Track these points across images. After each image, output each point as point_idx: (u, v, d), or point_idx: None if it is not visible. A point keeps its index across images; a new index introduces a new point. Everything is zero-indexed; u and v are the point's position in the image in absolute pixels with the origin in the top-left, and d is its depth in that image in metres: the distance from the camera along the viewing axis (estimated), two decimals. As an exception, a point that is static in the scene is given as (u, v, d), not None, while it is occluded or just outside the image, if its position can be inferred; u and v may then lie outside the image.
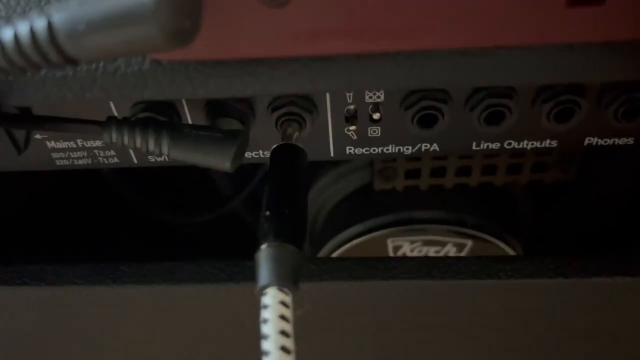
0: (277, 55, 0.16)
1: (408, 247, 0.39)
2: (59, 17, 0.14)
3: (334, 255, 0.39)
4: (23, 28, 0.14)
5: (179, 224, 0.48)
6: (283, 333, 0.16)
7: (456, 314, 0.26)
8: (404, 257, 0.27)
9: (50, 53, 0.14)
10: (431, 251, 0.39)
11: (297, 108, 0.24)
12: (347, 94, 0.24)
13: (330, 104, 0.24)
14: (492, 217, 0.39)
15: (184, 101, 0.24)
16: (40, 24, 0.14)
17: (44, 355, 0.28)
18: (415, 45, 0.16)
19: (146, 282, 0.26)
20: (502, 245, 0.38)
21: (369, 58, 0.17)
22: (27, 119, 0.21)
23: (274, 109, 0.24)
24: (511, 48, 0.17)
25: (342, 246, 0.39)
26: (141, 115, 0.24)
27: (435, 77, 0.18)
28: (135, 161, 0.27)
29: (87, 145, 0.26)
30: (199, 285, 0.26)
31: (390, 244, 0.38)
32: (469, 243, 0.38)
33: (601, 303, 0.25)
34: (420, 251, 0.39)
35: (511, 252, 0.38)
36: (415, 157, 0.34)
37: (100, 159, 0.27)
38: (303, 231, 0.19)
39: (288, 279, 0.18)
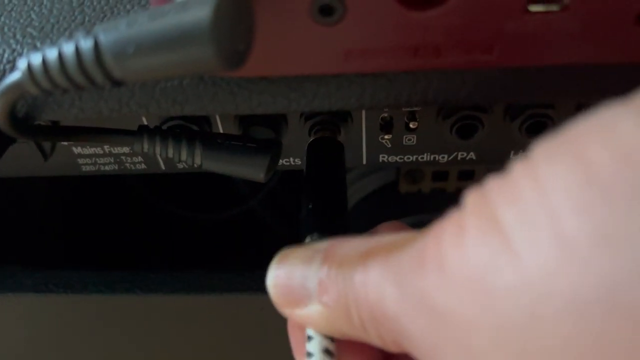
0: (327, 72, 0.16)
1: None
2: (106, 38, 0.13)
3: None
4: (68, 48, 0.13)
5: (196, 220, 0.48)
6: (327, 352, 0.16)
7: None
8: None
9: (96, 75, 0.13)
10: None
11: (331, 116, 0.23)
12: (384, 103, 0.23)
13: (366, 112, 0.23)
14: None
15: (215, 110, 0.23)
16: (86, 45, 0.13)
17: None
18: (475, 62, 0.15)
19: (174, 291, 0.26)
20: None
21: (418, 74, 0.17)
22: (57, 130, 0.20)
23: (308, 118, 0.23)
24: (573, 66, 0.16)
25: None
26: (172, 123, 0.23)
27: (490, 93, 0.17)
28: (163, 167, 0.26)
29: (114, 152, 0.25)
30: (227, 295, 0.26)
31: (413, 246, 0.38)
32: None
33: None
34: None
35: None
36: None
37: (127, 165, 0.26)
38: (346, 224, 0.19)
39: None
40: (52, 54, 0.13)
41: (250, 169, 0.22)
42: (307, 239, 0.18)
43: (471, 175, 0.34)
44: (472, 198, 0.12)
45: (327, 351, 0.16)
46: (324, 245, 0.16)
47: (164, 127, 0.23)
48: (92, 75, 0.13)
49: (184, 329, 0.26)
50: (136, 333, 0.27)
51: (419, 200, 0.37)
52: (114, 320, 0.26)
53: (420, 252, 0.13)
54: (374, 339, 0.14)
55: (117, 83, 0.14)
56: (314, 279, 0.15)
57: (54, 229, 0.38)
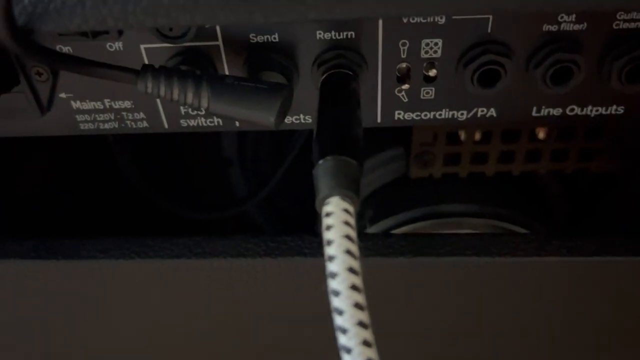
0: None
1: (442, 242, 0.37)
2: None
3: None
4: None
5: (190, 219, 0.46)
6: (348, 238, 0.16)
7: (513, 292, 0.24)
8: (454, 234, 0.24)
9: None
10: (466, 247, 0.37)
11: (346, 60, 0.22)
12: (402, 48, 0.22)
13: (382, 58, 0.22)
14: (529, 211, 0.37)
15: (223, 54, 0.22)
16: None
17: (62, 331, 0.26)
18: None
19: (174, 256, 0.24)
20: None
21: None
22: (58, 55, 0.19)
23: (320, 64, 0.22)
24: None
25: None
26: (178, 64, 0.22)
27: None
28: (166, 126, 0.25)
29: (115, 107, 0.24)
30: (232, 260, 0.24)
31: (423, 238, 0.36)
32: (507, 239, 0.36)
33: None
34: (454, 247, 0.37)
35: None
36: (455, 142, 0.32)
37: (129, 122, 0.25)
38: (360, 146, 0.19)
39: (350, 189, 0.17)
40: None
41: (260, 113, 0.21)
42: (320, 162, 0.17)
43: (484, 159, 0.33)
44: None
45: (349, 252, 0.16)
46: None
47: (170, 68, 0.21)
48: None
49: (185, 297, 0.25)
50: (132, 300, 0.25)
51: (431, 191, 0.36)
52: (109, 287, 0.25)
53: None
54: None
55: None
56: None
57: (42, 210, 0.36)
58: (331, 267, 0.16)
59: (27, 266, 0.25)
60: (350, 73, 0.21)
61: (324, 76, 0.22)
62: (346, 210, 0.17)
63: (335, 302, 0.15)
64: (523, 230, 0.35)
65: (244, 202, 0.46)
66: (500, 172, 0.34)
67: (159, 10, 0.16)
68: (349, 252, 0.16)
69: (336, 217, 0.16)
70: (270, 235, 0.24)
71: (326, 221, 0.17)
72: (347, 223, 0.16)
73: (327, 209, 0.17)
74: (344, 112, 0.20)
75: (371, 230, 0.37)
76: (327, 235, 0.16)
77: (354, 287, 0.16)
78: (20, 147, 0.29)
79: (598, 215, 0.39)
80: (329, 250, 0.16)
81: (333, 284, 0.16)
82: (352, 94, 0.21)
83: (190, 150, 0.47)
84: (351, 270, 0.16)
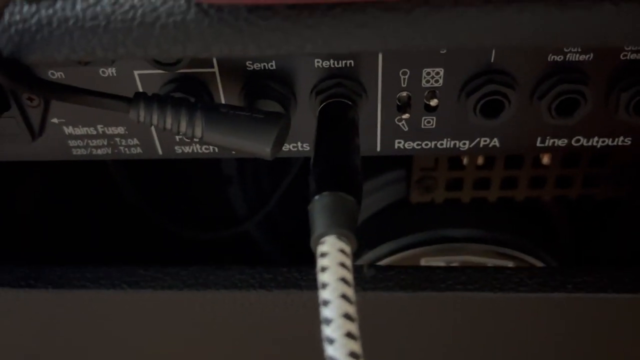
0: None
1: (443, 268, 0.36)
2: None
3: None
4: None
5: (189, 239, 0.45)
6: (344, 281, 0.15)
7: (516, 328, 0.23)
8: (457, 268, 0.24)
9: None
10: (468, 273, 0.36)
11: (344, 89, 0.21)
12: (402, 77, 0.21)
13: (382, 87, 0.22)
14: (533, 238, 0.36)
15: (218, 81, 0.22)
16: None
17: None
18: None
19: (166, 287, 0.23)
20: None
21: (450, 11, 0.15)
22: (48, 84, 0.18)
23: (319, 93, 0.22)
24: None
25: (371, 266, 0.36)
26: (171, 93, 0.21)
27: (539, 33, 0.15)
28: (160, 152, 0.24)
29: (108, 133, 0.24)
30: (225, 292, 0.23)
31: (423, 263, 0.35)
32: (510, 265, 0.35)
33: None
34: (456, 273, 0.36)
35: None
36: (458, 167, 0.32)
37: (122, 148, 0.24)
38: (358, 181, 0.18)
39: (347, 227, 0.16)
40: None
41: (256, 143, 0.20)
42: (316, 198, 0.17)
43: (487, 184, 0.32)
44: None
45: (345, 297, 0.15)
46: None
47: (163, 95, 0.21)
48: None
49: (177, 328, 0.24)
50: (122, 331, 0.24)
51: (432, 215, 0.35)
52: (98, 318, 0.24)
53: None
54: None
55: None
56: None
57: (42, 238, 0.36)
58: (325, 312, 0.15)
59: (17, 295, 0.24)
60: (349, 102, 0.21)
61: (322, 105, 0.21)
62: (342, 251, 0.16)
63: (330, 350, 0.15)
64: (525, 256, 0.35)
65: (244, 221, 0.46)
66: (504, 197, 0.33)
67: (150, 41, 0.15)
68: (344, 296, 0.15)
69: (332, 258, 0.16)
70: (265, 265, 0.24)
71: (321, 262, 0.16)
72: (343, 265, 0.16)
73: (322, 248, 0.16)
74: (341, 143, 0.19)
75: (370, 255, 0.36)
76: (321, 277, 0.16)
77: (349, 335, 0.15)
78: (17, 165, 0.28)
79: (602, 241, 0.38)
80: (324, 294, 0.15)
81: (327, 331, 0.15)
82: (350, 124, 0.20)
83: (190, 168, 0.47)
84: (347, 316, 0.15)
